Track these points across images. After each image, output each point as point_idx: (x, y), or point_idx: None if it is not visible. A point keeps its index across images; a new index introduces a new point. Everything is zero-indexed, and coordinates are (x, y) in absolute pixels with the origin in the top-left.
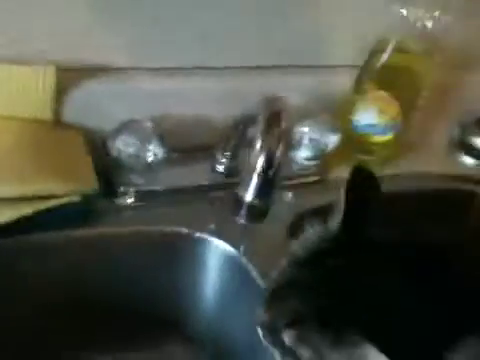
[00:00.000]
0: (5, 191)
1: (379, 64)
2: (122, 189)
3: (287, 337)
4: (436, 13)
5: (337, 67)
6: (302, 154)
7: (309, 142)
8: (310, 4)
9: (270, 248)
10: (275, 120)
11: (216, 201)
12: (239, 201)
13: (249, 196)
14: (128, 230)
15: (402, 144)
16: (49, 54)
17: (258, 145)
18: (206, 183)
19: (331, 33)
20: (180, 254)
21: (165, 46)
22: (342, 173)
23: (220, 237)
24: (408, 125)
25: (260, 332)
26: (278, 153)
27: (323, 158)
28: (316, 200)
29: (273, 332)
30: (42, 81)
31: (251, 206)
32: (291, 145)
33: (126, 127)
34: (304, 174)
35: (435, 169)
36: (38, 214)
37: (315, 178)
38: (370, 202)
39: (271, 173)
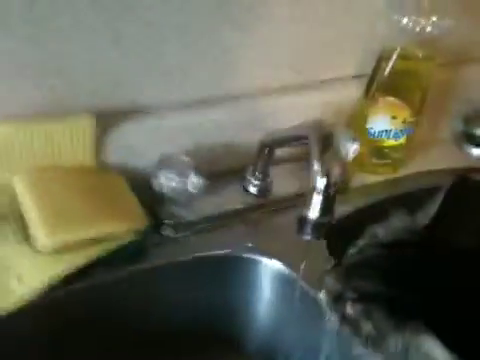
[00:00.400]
0: (69, 236)
1: (386, 72)
2: (167, 222)
3: (353, 309)
4: (434, 18)
5: (343, 79)
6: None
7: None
8: (309, 19)
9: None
10: (327, 141)
11: (252, 221)
12: (304, 219)
13: (313, 214)
14: (182, 259)
15: (412, 145)
16: (84, 100)
17: (316, 166)
18: (242, 206)
19: (333, 46)
20: (232, 276)
21: (184, 79)
22: (364, 180)
23: (270, 256)
24: (417, 126)
25: (323, 297)
26: (335, 172)
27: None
28: (348, 207)
29: (338, 301)
30: (82, 131)
31: (317, 223)
32: None
33: (165, 162)
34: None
35: (446, 164)
36: (106, 255)
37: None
38: (465, 210)
39: (331, 191)
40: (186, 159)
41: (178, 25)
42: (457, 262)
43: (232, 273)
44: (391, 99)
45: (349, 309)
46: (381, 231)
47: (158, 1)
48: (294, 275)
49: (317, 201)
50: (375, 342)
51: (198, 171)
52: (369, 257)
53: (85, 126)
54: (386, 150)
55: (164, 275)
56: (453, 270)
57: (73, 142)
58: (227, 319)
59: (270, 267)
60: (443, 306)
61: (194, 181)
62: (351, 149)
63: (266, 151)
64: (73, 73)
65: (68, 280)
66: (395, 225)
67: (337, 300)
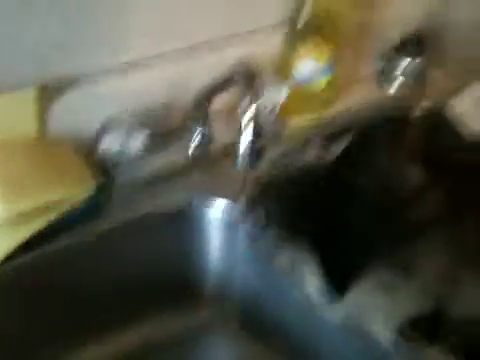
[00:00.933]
0: (22, 205)
1: (305, 16)
2: (116, 183)
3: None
4: None
5: (265, 28)
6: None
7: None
8: None
9: None
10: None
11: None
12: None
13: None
14: (133, 216)
15: (336, 84)
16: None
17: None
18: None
19: None
20: (183, 226)
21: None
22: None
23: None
24: (340, 64)
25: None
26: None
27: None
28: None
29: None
30: (25, 103)
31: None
32: None
33: (109, 126)
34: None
35: (367, 102)
36: (61, 219)
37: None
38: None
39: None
40: (129, 120)
41: None
42: (351, 199)
43: (183, 223)
44: (313, 41)
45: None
46: (293, 160)
47: None
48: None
49: (250, 128)
50: (267, 258)
51: (142, 130)
52: (275, 186)
53: (28, 98)
54: (312, 92)
55: (118, 233)
56: (346, 205)
57: (18, 114)
58: (183, 267)
59: (215, 213)
60: (329, 235)
61: (139, 140)
62: (282, 93)
63: (203, 102)
64: (12, 46)
65: (26, 248)
66: (306, 157)
67: (252, 208)
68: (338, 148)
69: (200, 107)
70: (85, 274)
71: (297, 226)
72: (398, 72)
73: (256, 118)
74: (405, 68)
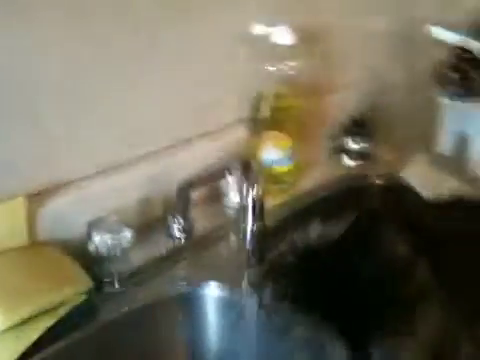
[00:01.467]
0: (23, 312)
1: (265, 111)
2: (107, 279)
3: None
4: (292, 63)
5: (231, 124)
6: (234, 199)
7: (237, 188)
8: (193, 80)
9: None
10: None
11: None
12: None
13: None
14: (130, 309)
15: (300, 167)
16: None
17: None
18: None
19: (219, 99)
20: (181, 312)
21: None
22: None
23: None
24: (299, 151)
25: (245, 286)
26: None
27: None
28: None
29: (258, 291)
30: (14, 213)
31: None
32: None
33: (96, 225)
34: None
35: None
36: (59, 321)
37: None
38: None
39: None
40: (114, 218)
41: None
42: (358, 272)
43: (180, 309)
44: (273, 132)
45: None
46: (298, 238)
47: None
48: (235, 296)
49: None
50: (284, 331)
51: (127, 226)
52: (284, 263)
53: (17, 208)
54: (281, 176)
55: (117, 327)
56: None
57: (7, 224)
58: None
59: (212, 295)
60: (340, 305)
61: (126, 236)
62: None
63: (184, 194)
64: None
65: (32, 351)
66: (310, 234)
67: (257, 290)
68: (340, 226)
69: (181, 199)
70: None
71: (310, 299)
72: (349, 150)
73: (257, 200)
74: (354, 146)
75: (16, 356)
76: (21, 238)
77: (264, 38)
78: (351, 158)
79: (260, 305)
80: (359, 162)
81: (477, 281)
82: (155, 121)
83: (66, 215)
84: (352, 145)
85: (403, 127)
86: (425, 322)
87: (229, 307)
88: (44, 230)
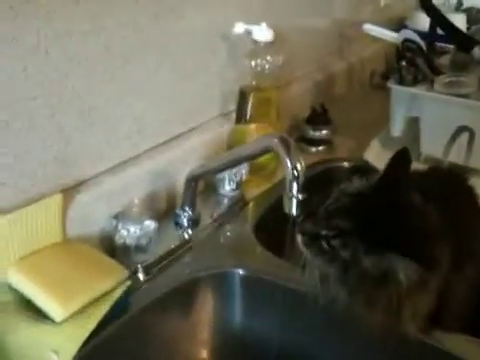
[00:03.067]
0: (76, 304)
1: (249, 103)
2: (133, 269)
3: (330, 244)
4: (269, 58)
5: (215, 118)
6: (228, 188)
7: (229, 178)
8: (180, 78)
9: None
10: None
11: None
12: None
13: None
14: (166, 290)
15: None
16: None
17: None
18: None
19: (202, 95)
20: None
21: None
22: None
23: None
24: None
25: (300, 238)
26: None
27: (241, 186)
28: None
29: (314, 239)
30: (54, 209)
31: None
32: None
33: (120, 218)
34: (233, 203)
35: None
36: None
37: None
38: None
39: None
40: (136, 209)
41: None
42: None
43: (205, 291)
44: (256, 123)
45: (325, 244)
46: (345, 187)
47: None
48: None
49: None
50: (351, 264)
51: (150, 216)
52: (338, 204)
53: (54, 205)
54: (265, 164)
55: (160, 306)
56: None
57: (46, 221)
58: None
59: (233, 275)
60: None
61: (150, 225)
62: (243, 170)
63: (192, 186)
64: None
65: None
66: (354, 185)
67: (314, 239)
68: (375, 177)
69: (189, 190)
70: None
71: (367, 235)
72: (311, 138)
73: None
74: (316, 134)
75: (80, 343)
76: (57, 235)
77: (244, 36)
78: (313, 145)
79: (319, 251)
80: (321, 148)
81: (459, 231)
82: (149, 119)
83: (86, 211)
84: (313, 133)
85: (358, 114)
86: (445, 258)
87: (250, 287)
88: (71, 227)
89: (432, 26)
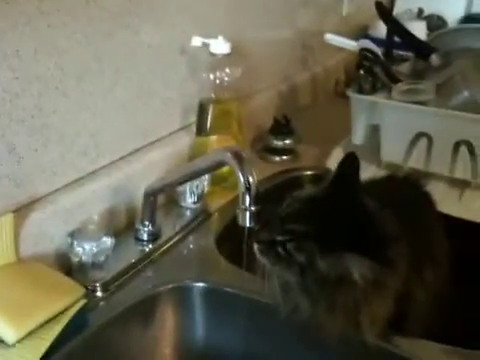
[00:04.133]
0: (29, 325)
1: (209, 116)
2: (90, 287)
3: (285, 249)
4: (227, 70)
5: (175, 132)
6: (189, 200)
7: (190, 191)
8: (139, 91)
9: None
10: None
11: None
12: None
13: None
14: (125, 307)
15: None
16: None
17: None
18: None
19: (162, 109)
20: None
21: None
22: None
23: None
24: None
25: (257, 247)
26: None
27: (203, 198)
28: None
29: (270, 246)
30: (5, 229)
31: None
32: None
33: (76, 235)
34: (195, 216)
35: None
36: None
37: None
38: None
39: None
40: (92, 227)
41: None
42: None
43: (164, 307)
44: (217, 135)
45: (281, 250)
46: (297, 193)
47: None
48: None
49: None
50: (308, 267)
51: (108, 232)
52: (289, 210)
53: (7, 223)
54: (227, 176)
55: (109, 329)
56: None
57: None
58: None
59: (197, 288)
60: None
61: (106, 242)
62: (204, 182)
63: (150, 200)
64: None
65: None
66: (306, 190)
67: (270, 247)
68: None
69: (147, 205)
70: None
71: (322, 237)
72: (274, 148)
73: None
74: (279, 144)
75: None
76: (10, 255)
77: (202, 49)
78: (277, 155)
79: (276, 257)
80: (285, 158)
81: (416, 236)
82: (107, 135)
83: (41, 230)
84: (277, 143)
85: (322, 123)
86: (401, 259)
87: (213, 300)
88: (24, 246)
89: (389, 34)
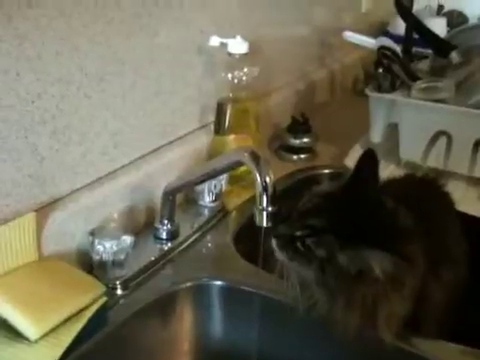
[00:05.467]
0: (51, 322)
1: (227, 115)
2: (110, 285)
3: (304, 244)
4: (245, 70)
5: (194, 131)
6: (207, 199)
7: (208, 190)
8: (160, 91)
9: None
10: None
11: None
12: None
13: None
14: (146, 303)
15: None
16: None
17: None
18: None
19: (181, 109)
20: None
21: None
22: (235, 202)
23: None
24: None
25: (275, 242)
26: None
27: (221, 196)
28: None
29: (289, 242)
30: (27, 229)
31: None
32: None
33: (97, 233)
34: (213, 215)
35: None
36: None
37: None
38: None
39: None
40: (113, 225)
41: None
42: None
43: (184, 305)
44: (235, 134)
45: (300, 245)
46: (316, 189)
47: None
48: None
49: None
50: (328, 262)
51: (128, 231)
52: (308, 205)
53: (28, 224)
54: (244, 175)
55: (138, 320)
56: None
57: (20, 240)
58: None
59: (215, 286)
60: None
61: (128, 241)
62: (222, 181)
63: (169, 199)
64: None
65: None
66: (325, 186)
67: (289, 242)
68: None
69: (167, 203)
70: None
71: (340, 232)
72: (292, 146)
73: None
74: (296, 142)
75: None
76: (32, 254)
77: (219, 49)
78: (294, 153)
79: (294, 252)
80: (303, 156)
81: (434, 234)
82: (126, 134)
83: (62, 229)
84: (294, 141)
85: (340, 121)
86: (419, 256)
87: (230, 298)
88: (46, 245)
89: (408, 32)
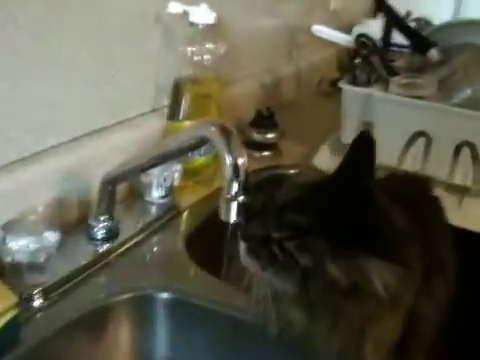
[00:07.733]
0: None
1: (185, 97)
2: (25, 294)
3: (282, 248)
4: (208, 46)
5: (149, 113)
6: (156, 194)
7: (157, 183)
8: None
9: None
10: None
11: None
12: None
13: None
14: (69, 320)
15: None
16: None
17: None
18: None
19: (133, 88)
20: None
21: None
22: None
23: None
24: None
25: (244, 247)
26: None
27: (172, 192)
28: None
29: (263, 245)
30: None
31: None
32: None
33: (11, 228)
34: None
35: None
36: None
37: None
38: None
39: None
40: (32, 217)
41: None
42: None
43: (118, 320)
44: (191, 121)
45: (277, 250)
46: (297, 179)
47: None
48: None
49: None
50: (313, 272)
51: (53, 227)
52: (297, 196)
53: None
54: (200, 169)
55: (45, 347)
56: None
57: None
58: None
59: (161, 299)
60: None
61: (49, 238)
62: (175, 170)
63: (108, 191)
64: None
65: None
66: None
67: (262, 246)
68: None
69: (104, 196)
70: None
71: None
72: (255, 142)
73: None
74: (260, 138)
75: None
76: None
77: (181, 18)
78: (257, 150)
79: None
80: (266, 153)
81: (425, 240)
82: (63, 111)
83: None
84: (258, 137)
85: (307, 120)
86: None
87: (180, 313)
88: None
89: (387, 28)
